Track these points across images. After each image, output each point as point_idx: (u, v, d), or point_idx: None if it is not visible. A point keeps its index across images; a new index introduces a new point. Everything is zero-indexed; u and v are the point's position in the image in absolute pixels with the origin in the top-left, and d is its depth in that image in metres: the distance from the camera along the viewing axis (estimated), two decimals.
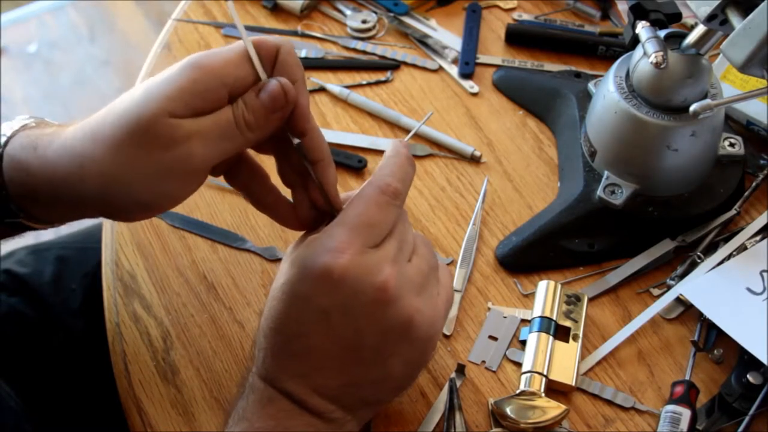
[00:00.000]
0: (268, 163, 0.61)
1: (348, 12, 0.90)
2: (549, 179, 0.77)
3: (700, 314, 0.66)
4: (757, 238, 0.70)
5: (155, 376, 0.66)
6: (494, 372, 0.66)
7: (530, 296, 0.70)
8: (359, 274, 0.51)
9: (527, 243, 0.72)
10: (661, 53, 0.63)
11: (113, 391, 0.67)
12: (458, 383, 0.65)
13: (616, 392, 0.64)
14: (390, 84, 0.85)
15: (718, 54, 0.73)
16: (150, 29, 2.18)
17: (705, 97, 0.68)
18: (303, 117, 0.55)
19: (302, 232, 0.60)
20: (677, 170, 0.70)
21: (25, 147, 0.56)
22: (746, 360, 0.63)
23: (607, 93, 0.70)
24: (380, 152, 0.79)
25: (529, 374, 0.64)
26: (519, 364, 0.66)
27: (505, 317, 0.69)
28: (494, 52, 0.87)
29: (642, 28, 0.66)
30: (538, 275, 0.71)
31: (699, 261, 0.69)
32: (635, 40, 0.67)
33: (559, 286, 0.68)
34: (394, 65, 0.86)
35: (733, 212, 0.72)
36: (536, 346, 0.65)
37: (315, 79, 0.84)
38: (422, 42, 0.88)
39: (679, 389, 0.63)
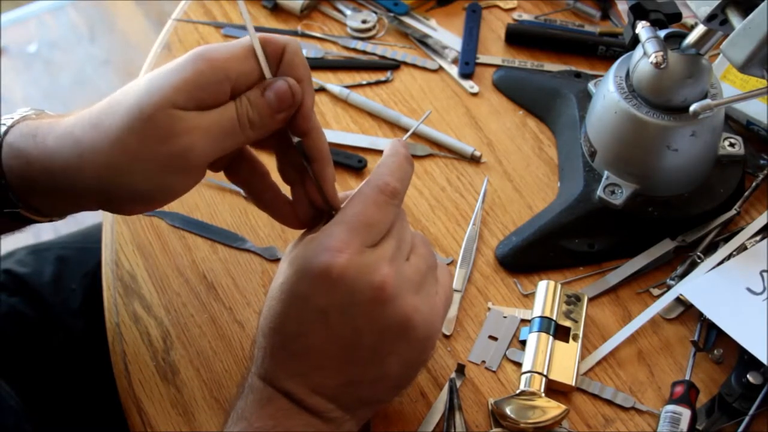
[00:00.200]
0: (268, 161, 0.61)
1: (348, 12, 0.90)
2: (549, 179, 0.77)
3: (700, 314, 0.66)
4: (757, 238, 0.70)
5: (155, 376, 0.66)
6: (494, 372, 0.66)
7: (530, 296, 0.70)
8: (358, 274, 0.51)
9: (527, 243, 0.72)
10: (661, 53, 0.63)
11: (113, 391, 0.67)
12: (458, 383, 0.65)
13: (616, 392, 0.64)
14: (390, 84, 0.85)
15: (718, 54, 0.73)
16: (150, 29, 2.18)
17: (705, 97, 0.68)
18: (306, 117, 0.55)
19: (301, 231, 0.60)
20: (677, 170, 0.70)
21: (24, 135, 0.56)
22: (746, 360, 0.63)
23: (607, 93, 0.70)
24: (380, 152, 0.79)
25: (529, 374, 0.64)
26: (519, 364, 0.66)
27: (505, 317, 0.69)
28: (494, 52, 0.87)
29: (642, 28, 0.66)
30: (538, 275, 0.71)
31: (699, 261, 0.69)
32: (635, 40, 0.67)
33: (559, 286, 0.68)
34: (394, 65, 0.86)
35: (733, 212, 0.72)
36: (536, 346, 0.65)
37: (315, 79, 0.84)
38: (422, 42, 0.88)
39: (679, 389, 0.63)
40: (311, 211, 0.59)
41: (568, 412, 0.62)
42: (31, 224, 0.61)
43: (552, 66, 0.85)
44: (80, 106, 0.56)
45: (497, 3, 0.91)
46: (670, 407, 0.61)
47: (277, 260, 0.72)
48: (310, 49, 0.87)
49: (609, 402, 0.64)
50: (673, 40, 0.67)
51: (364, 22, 0.88)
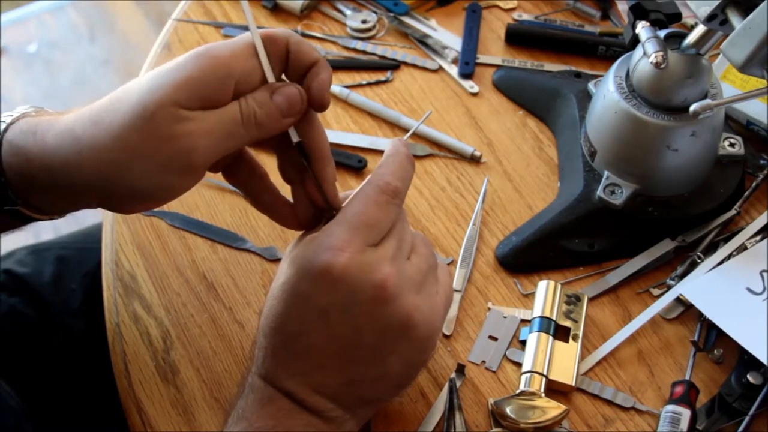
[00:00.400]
0: (267, 162, 0.61)
1: (348, 12, 0.90)
2: (549, 179, 0.77)
3: (700, 314, 0.66)
4: (757, 238, 0.70)
5: (155, 376, 0.66)
6: (494, 372, 0.66)
7: (530, 296, 0.70)
8: (359, 273, 0.51)
9: (527, 243, 0.72)
10: (661, 53, 0.63)
11: (113, 391, 0.67)
12: (458, 383, 0.65)
13: (616, 392, 0.64)
14: (390, 84, 0.85)
15: (718, 54, 0.73)
16: (150, 29, 2.18)
17: (705, 97, 0.68)
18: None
19: (301, 232, 0.60)
20: (677, 170, 0.70)
21: (24, 132, 0.55)
22: (746, 360, 0.63)
23: (607, 93, 0.70)
24: (380, 152, 0.79)
25: (529, 374, 0.64)
26: (519, 364, 0.66)
27: (505, 317, 0.69)
28: (494, 52, 0.87)
29: (642, 28, 0.66)
30: (538, 275, 0.71)
31: (699, 261, 0.69)
32: (635, 40, 0.67)
33: (559, 286, 0.68)
34: (394, 65, 0.86)
35: (733, 212, 0.72)
36: (536, 346, 0.65)
37: None
38: (422, 42, 0.88)
39: (679, 389, 0.63)
40: (311, 211, 0.59)
41: (568, 412, 0.62)
42: (31, 222, 0.60)
43: (552, 66, 0.85)
44: (80, 106, 0.56)
45: (497, 3, 0.91)
46: (670, 407, 0.61)
47: (277, 260, 0.72)
48: None
49: (609, 402, 0.64)
50: (673, 40, 0.67)
51: (364, 22, 0.88)
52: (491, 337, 0.68)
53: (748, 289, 0.66)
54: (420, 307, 0.54)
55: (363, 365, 0.54)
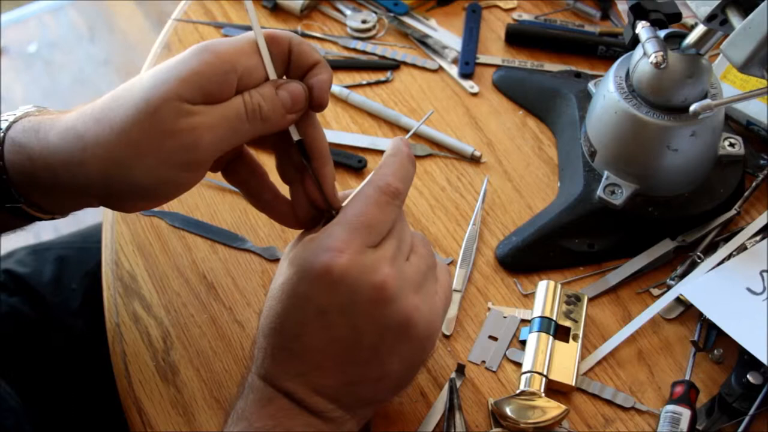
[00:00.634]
0: (266, 162, 0.61)
1: (348, 12, 0.90)
2: (549, 179, 0.77)
3: (700, 314, 0.66)
4: (757, 238, 0.70)
5: (155, 376, 0.66)
6: (494, 372, 0.66)
7: (530, 296, 0.70)
8: (359, 274, 0.51)
9: (527, 243, 0.72)
10: (661, 53, 0.63)
11: (113, 391, 0.67)
12: (458, 383, 0.65)
13: (616, 392, 0.64)
14: (390, 84, 0.85)
15: (718, 54, 0.73)
16: (150, 29, 2.18)
17: (705, 97, 0.68)
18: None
19: (300, 231, 0.60)
20: (677, 170, 0.70)
21: (26, 130, 0.55)
22: (746, 360, 0.63)
23: (607, 93, 0.70)
24: (380, 152, 0.79)
25: (529, 374, 0.64)
26: (519, 364, 0.66)
27: (505, 317, 0.69)
28: (494, 52, 0.87)
29: (642, 28, 0.65)
30: (538, 275, 0.71)
31: (699, 261, 0.69)
32: (635, 40, 0.67)
33: (559, 286, 0.68)
34: (394, 65, 0.86)
35: (733, 212, 0.72)
36: (536, 346, 0.65)
37: None
38: (422, 42, 0.88)
39: (679, 389, 0.63)
40: (310, 210, 0.59)
41: (568, 412, 0.62)
42: (33, 221, 0.60)
43: (552, 66, 0.85)
44: (81, 105, 0.56)
45: (497, 3, 0.91)
46: (670, 407, 0.62)
47: (277, 260, 0.72)
48: None
49: (609, 402, 0.64)
50: (673, 40, 0.67)
51: (364, 22, 0.88)
52: (491, 337, 0.68)
53: (748, 289, 0.66)
54: (419, 307, 0.54)
55: (363, 366, 0.54)
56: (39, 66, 2.15)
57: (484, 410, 0.64)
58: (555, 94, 0.80)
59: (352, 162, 0.78)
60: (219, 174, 0.61)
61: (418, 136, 0.80)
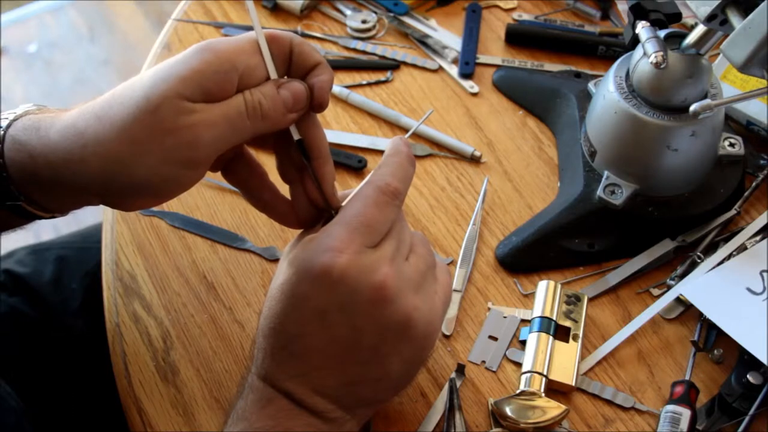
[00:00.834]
0: (266, 162, 0.61)
1: (348, 12, 0.90)
2: (549, 179, 0.77)
3: (700, 314, 0.66)
4: (757, 238, 0.70)
5: (155, 376, 0.66)
6: (494, 372, 0.66)
7: (530, 296, 0.70)
8: (358, 274, 0.51)
9: (527, 243, 0.72)
10: (661, 53, 0.63)
11: (113, 391, 0.67)
12: (458, 383, 0.65)
13: (616, 392, 0.64)
14: (390, 84, 0.85)
15: (718, 54, 0.73)
16: (150, 29, 2.18)
17: (705, 97, 0.68)
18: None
19: (300, 231, 0.60)
20: (677, 170, 0.70)
21: (27, 128, 0.56)
22: (746, 360, 0.63)
23: (607, 93, 0.70)
24: (380, 152, 0.79)
25: (529, 374, 0.64)
26: (519, 364, 0.66)
27: (505, 317, 0.69)
28: (494, 52, 0.87)
29: (642, 28, 0.65)
30: (538, 275, 0.71)
31: (699, 261, 0.69)
32: (635, 40, 0.67)
33: (559, 286, 0.68)
34: (394, 65, 0.86)
35: (733, 212, 0.72)
36: (536, 346, 0.65)
37: None
38: (422, 42, 0.88)
39: (679, 389, 0.63)
40: (310, 210, 0.59)
41: (568, 412, 0.62)
42: (33, 220, 0.60)
43: (552, 66, 0.85)
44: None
45: (497, 3, 0.91)
46: (670, 407, 0.62)
47: (277, 260, 0.72)
48: None
49: (609, 402, 0.64)
50: (673, 40, 0.67)
51: (364, 22, 0.88)
52: (491, 337, 0.68)
53: (748, 289, 0.66)
54: (419, 307, 0.54)
55: (363, 366, 0.54)
56: (39, 66, 2.15)
57: (484, 410, 0.64)
58: (555, 94, 0.80)
59: (352, 162, 0.78)
60: (219, 174, 0.61)
61: (418, 136, 0.80)
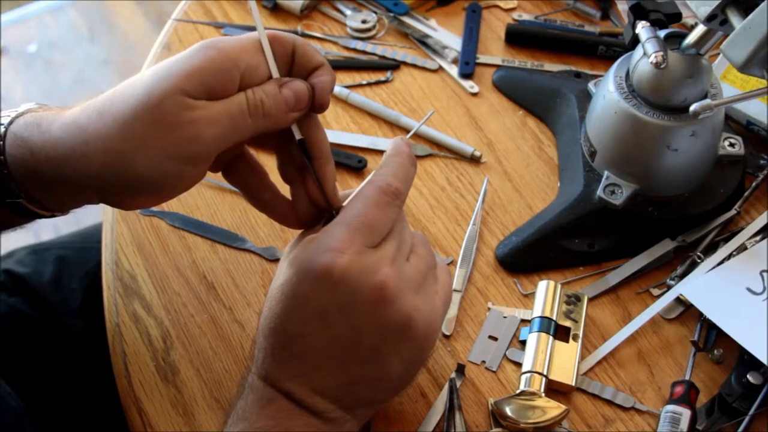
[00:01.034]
0: (266, 162, 0.61)
1: (348, 12, 0.90)
2: (549, 179, 0.77)
3: (700, 314, 0.66)
4: (757, 238, 0.70)
5: (155, 376, 0.66)
6: (494, 372, 0.66)
7: (530, 296, 0.70)
8: (359, 274, 0.51)
9: (527, 243, 0.72)
10: (661, 53, 0.63)
11: (113, 391, 0.67)
12: (458, 383, 0.65)
13: (616, 392, 0.64)
14: (390, 84, 0.85)
15: (718, 54, 0.73)
16: (150, 29, 2.18)
17: (705, 97, 0.68)
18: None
19: (300, 231, 0.60)
20: (677, 170, 0.70)
21: (29, 125, 0.56)
22: (746, 360, 0.63)
23: (607, 93, 0.70)
24: (380, 152, 0.79)
25: (529, 374, 0.64)
26: (519, 364, 0.66)
27: (505, 317, 0.69)
28: (494, 52, 0.87)
29: (642, 28, 0.65)
30: (538, 275, 0.71)
31: (699, 261, 0.69)
32: (635, 40, 0.67)
33: (559, 286, 0.68)
34: (394, 65, 0.86)
35: (733, 212, 0.72)
36: (536, 346, 0.65)
37: None
38: (422, 42, 0.88)
39: (679, 389, 0.63)
40: (310, 210, 0.59)
41: (568, 412, 0.62)
42: (33, 219, 0.60)
43: (552, 66, 0.85)
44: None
45: (497, 3, 0.91)
46: (670, 407, 0.62)
47: (277, 260, 0.72)
48: None
49: (609, 402, 0.64)
50: (673, 40, 0.67)
51: (364, 22, 0.88)
52: (491, 337, 0.68)
53: (748, 289, 0.66)
54: (419, 307, 0.54)
55: (363, 366, 0.54)
56: (39, 66, 2.15)
57: (484, 410, 0.64)
58: (555, 94, 0.80)
59: (352, 162, 0.78)
60: (219, 174, 0.61)
61: (418, 136, 0.80)
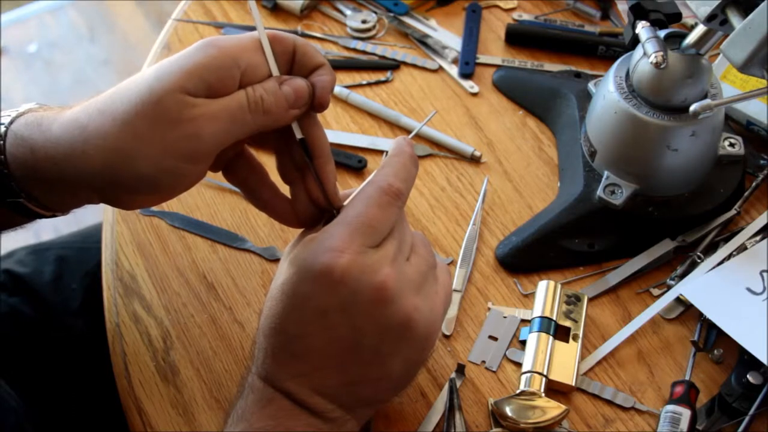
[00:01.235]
0: (266, 163, 0.61)
1: (348, 12, 0.90)
2: (549, 179, 0.77)
3: (700, 314, 0.66)
4: (757, 238, 0.70)
5: (155, 376, 0.66)
6: (494, 372, 0.66)
7: (530, 296, 0.70)
8: (359, 275, 0.51)
9: (527, 243, 0.72)
10: (661, 53, 0.63)
11: (113, 391, 0.67)
12: (458, 383, 0.65)
13: (616, 392, 0.64)
14: (390, 84, 0.85)
15: (718, 54, 0.73)
16: (150, 29, 2.18)
17: (705, 97, 0.68)
18: (313, 118, 0.56)
19: (300, 231, 0.60)
20: (677, 170, 0.70)
21: (29, 124, 0.56)
22: (746, 360, 0.63)
23: (607, 93, 0.70)
24: (380, 152, 0.79)
25: (529, 374, 0.64)
26: (519, 364, 0.66)
27: (505, 317, 0.69)
28: (494, 52, 0.87)
29: (642, 28, 0.66)
30: (538, 275, 0.71)
31: (699, 261, 0.69)
32: (635, 40, 0.67)
33: (559, 286, 0.68)
34: (394, 65, 0.86)
35: (733, 212, 0.72)
36: (536, 346, 0.65)
37: None
38: (422, 42, 0.88)
39: (679, 389, 0.63)
40: (311, 209, 0.59)
41: (568, 412, 0.62)
42: (34, 219, 0.60)
43: (552, 66, 0.85)
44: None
45: (497, 3, 0.91)
46: (670, 407, 0.62)
47: (277, 260, 0.72)
48: None
49: (609, 402, 0.64)
50: (673, 40, 0.67)
51: (364, 22, 0.88)
52: (491, 337, 0.68)
53: (748, 289, 0.66)
54: (420, 307, 0.54)
55: (363, 366, 0.54)
56: (39, 66, 2.15)
57: (484, 410, 0.64)
58: (555, 94, 0.80)
59: (352, 162, 0.78)
60: (219, 174, 0.61)
61: (418, 136, 0.80)
